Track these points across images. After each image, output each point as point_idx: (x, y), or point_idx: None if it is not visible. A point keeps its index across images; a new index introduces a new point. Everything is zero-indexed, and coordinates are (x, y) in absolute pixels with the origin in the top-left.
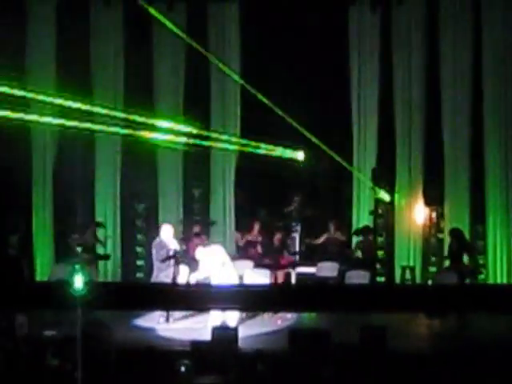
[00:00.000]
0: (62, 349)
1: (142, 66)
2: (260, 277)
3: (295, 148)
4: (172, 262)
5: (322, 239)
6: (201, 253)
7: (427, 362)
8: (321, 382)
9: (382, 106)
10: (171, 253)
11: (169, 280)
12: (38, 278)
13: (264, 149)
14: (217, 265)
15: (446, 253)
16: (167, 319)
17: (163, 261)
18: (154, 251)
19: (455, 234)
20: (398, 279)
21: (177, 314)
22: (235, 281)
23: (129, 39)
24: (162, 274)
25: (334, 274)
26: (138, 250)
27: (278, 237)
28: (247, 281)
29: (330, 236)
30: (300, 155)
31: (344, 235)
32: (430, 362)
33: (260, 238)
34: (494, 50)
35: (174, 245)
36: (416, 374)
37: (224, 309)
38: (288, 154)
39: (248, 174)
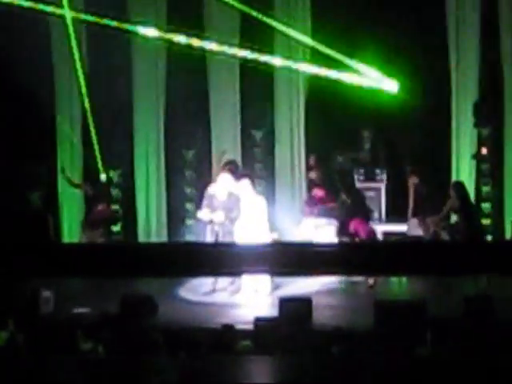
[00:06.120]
0: (96, 330)
1: None
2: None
3: (386, 77)
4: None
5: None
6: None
7: None
8: (415, 365)
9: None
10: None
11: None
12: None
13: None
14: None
15: None
16: (214, 290)
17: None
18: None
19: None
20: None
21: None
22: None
23: None
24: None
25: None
26: (188, 206)
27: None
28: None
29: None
30: (393, 86)
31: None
32: None
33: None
34: None
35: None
36: None
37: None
38: (377, 83)
39: (321, 110)
